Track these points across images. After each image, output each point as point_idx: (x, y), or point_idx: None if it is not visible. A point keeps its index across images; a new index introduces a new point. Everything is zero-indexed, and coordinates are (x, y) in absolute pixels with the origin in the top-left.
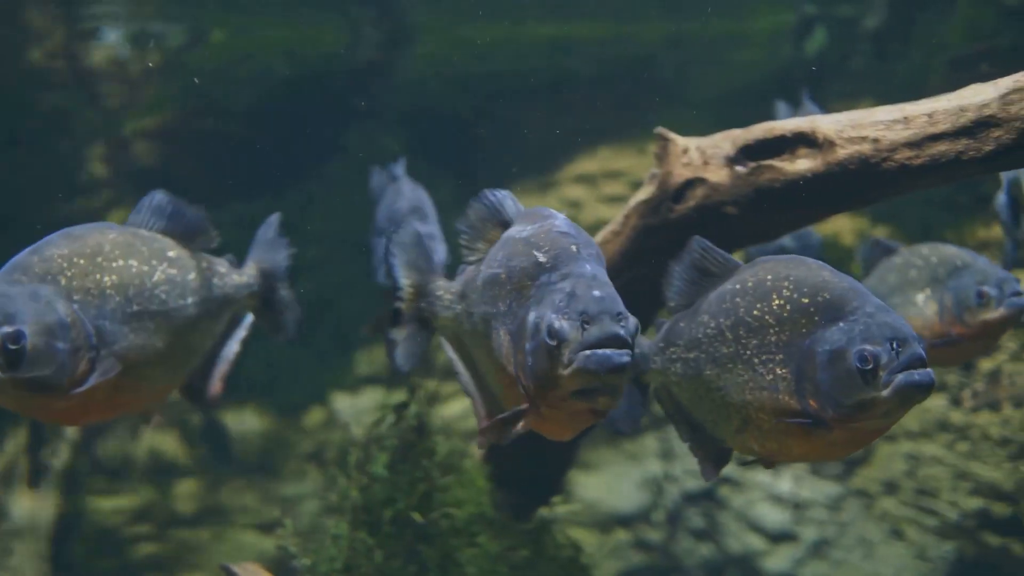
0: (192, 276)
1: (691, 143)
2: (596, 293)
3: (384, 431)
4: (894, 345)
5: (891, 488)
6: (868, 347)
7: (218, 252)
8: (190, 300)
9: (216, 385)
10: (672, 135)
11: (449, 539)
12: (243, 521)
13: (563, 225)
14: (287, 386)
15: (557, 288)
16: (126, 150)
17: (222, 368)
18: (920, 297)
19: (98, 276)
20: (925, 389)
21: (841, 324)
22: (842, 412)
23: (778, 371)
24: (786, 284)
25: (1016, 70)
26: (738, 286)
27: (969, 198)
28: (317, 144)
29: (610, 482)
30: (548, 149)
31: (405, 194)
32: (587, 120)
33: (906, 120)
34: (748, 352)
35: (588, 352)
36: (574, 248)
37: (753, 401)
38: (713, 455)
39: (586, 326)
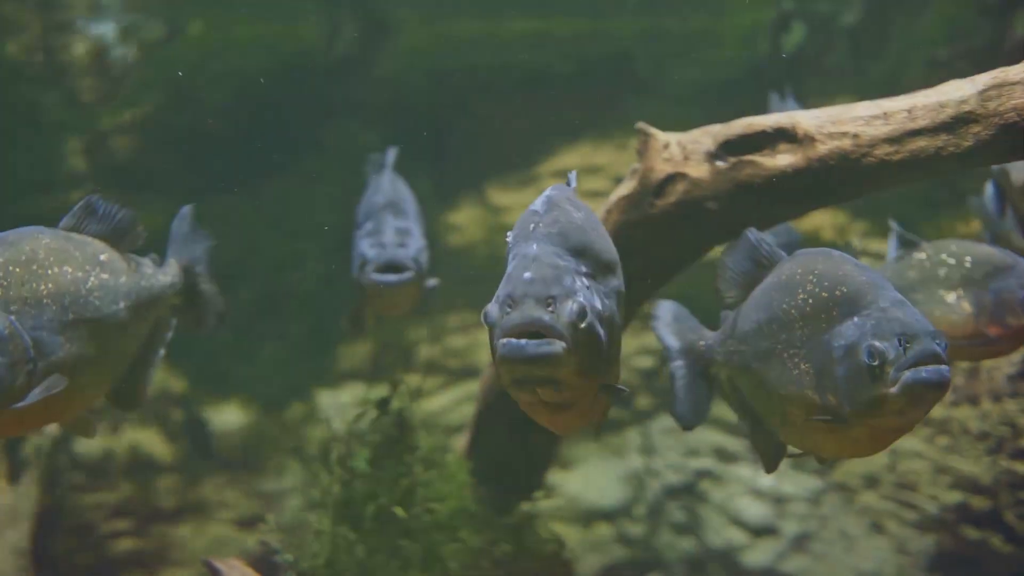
0: (123, 280)
1: (672, 138)
2: (526, 275)
3: (366, 426)
4: (902, 341)
5: (871, 482)
6: (876, 343)
7: (142, 252)
8: (122, 305)
9: (142, 389)
10: (653, 130)
11: (431, 534)
12: (225, 516)
13: (537, 202)
14: (268, 381)
15: (507, 270)
16: (104, 144)
17: (149, 372)
18: (951, 295)
19: (34, 285)
20: (934, 387)
21: (856, 319)
22: (857, 408)
23: (802, 366)
24: (810, 278)
25: (991, 66)
26: (774, 280)
27: (948, 194)
28: (295, 139)
29: (592, 477)
30: (527, 144)
31: (383, 188)
32: (566, 115)
33: (886, 116)
34: (779, 346)
35: (504, 340)
36: (531, 226)
37: (786, 396)
38: (771, 449)
39: (508, 310)
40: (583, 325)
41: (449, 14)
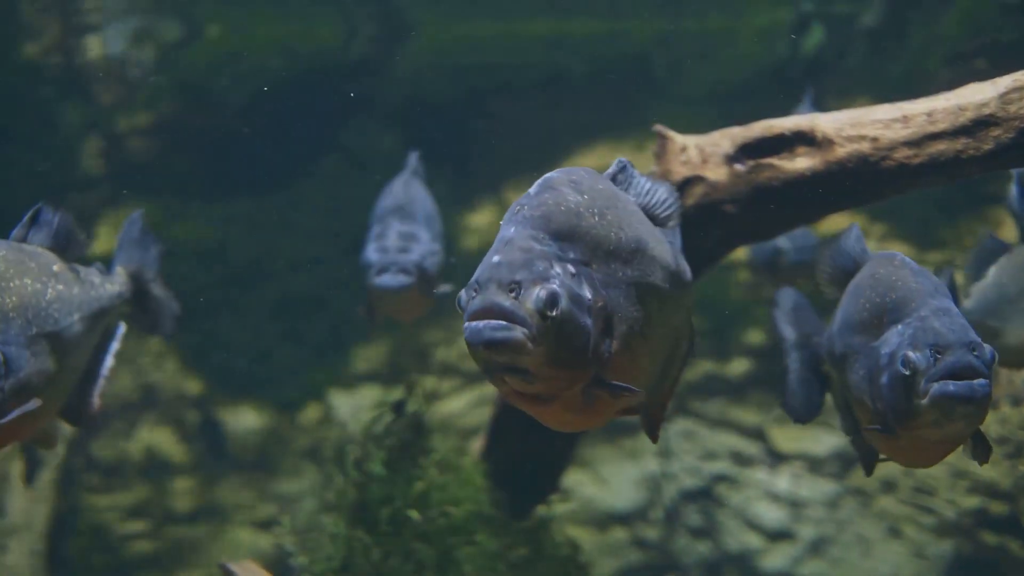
0: (76, 291)
1: (690, 141)
2: (495, 259)
3: (382, 429)
4: (934, 352)
5: (889, 486)
6: (910, 353)
7: (96, 261)
8: (76, 317)
9: (96, 403)
10: (671, 133)
11: (447, 537)
12: (240, 519)
13: (535, 185)
14: (284, 383)
15: None
16: (121, 146)
17: (100, 384)
18: None
19: (1, 299)
20: (962, 400)
21: (899, 326)
22: (898, 418)
23: (861, 372)
24: (871, 283)
25: (1014, 66)
26: (852, 283)
27: (966, 196)
28: (312, 140)
29: (608, 480)
30: (545, 145)
31: (394, 192)
32: (584, 116)
33: (905, 119)
34: (848, 350)
35: (466, 324)
36: (516, 208)
37: (853, 399)
38: (865, 451)
39: (473, 295)
40: (553, 313)
41: (467, 15)
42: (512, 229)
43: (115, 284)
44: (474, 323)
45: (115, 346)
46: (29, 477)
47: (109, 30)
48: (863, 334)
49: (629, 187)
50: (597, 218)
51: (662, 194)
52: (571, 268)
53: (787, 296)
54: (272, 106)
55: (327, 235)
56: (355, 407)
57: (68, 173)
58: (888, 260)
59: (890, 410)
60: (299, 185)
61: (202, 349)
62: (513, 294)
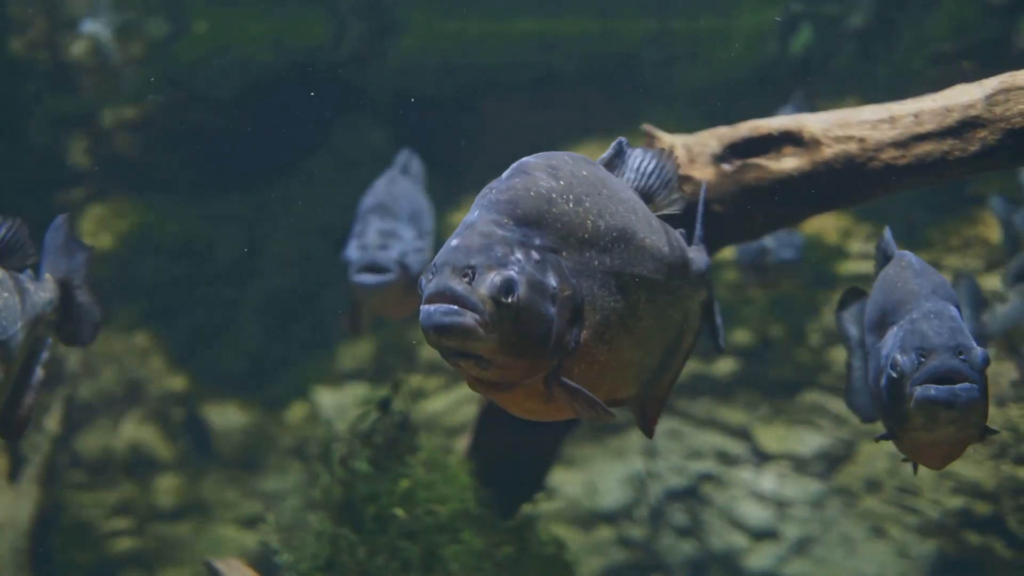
0: (17, 299)
1: (677, 140)
2: (453, 243)
3: (367, 427)
4: (919, 355)
5: (873, 486)
6: (898, 356)
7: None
8: (19, 325)
9: (24, 414)
10: (659, 132)
11: (432, 536)
12: (225, 516)
13: (509, 168)
14: (269, 380)
15: None
16: (107, 141)
17: (30, 396)
18: None
19: None
20: (944, 405)
21: (895, 328)
22: (895, 419)
23: (870, 372)
24: (881, 283)
25: (998, 66)
26: (874, 284)
27: (953, 197)
28: (301, 137)
29: (594, 479)
30: (535, 144)
31: (376, 190)
32: (574, 115)
33: (892, 120)
34: (868, 350)
35: (422, 306)
36: (485, 192)
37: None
38: None
39: (430, 278)
40: (508, 300)
41: (457, 13)
42: (476, 213)
43: (47, 291)
44: (426, 306)
45: (45, 355)
46: (13, 473)
47: (96, 25)
48: (874, 334)
49: (626, 170)
50: (572, 204)
51: (663, 174)
52: (535, 255)
53: (851, 294)
54: (260, 102)
55: (315, 232)
56: (341, 405)
57: (54, 168)
58: (897, 260)
59: (887, 412)
60: (287, 182)
61: (188, 346)
62: (467, 279)
